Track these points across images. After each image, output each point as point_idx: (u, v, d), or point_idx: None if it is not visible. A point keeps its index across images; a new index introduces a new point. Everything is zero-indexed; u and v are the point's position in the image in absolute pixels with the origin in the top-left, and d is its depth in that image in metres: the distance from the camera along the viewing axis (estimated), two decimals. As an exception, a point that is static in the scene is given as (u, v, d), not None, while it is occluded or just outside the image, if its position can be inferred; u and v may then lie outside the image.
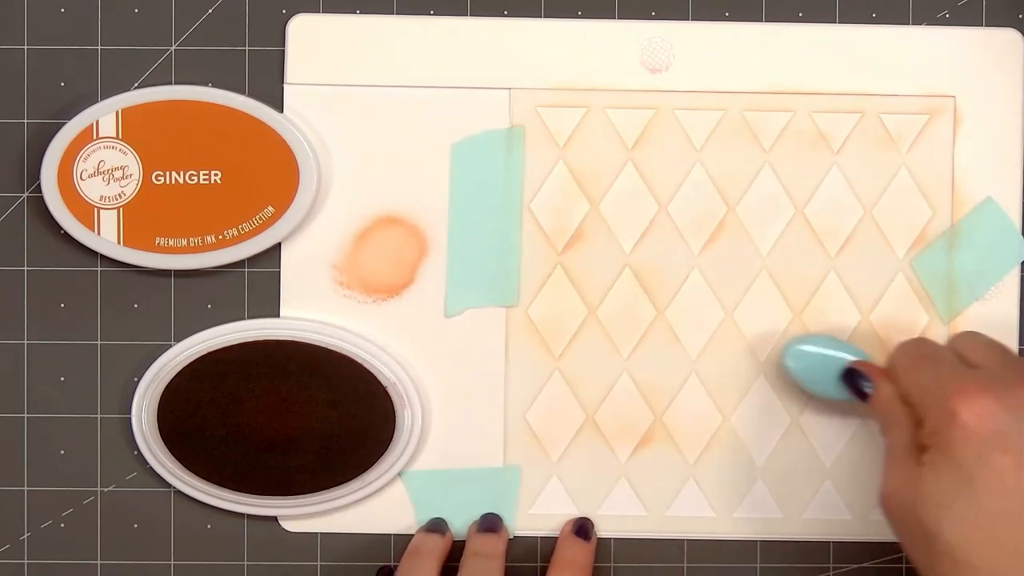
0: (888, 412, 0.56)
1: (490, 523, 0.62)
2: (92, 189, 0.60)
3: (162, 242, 0.60)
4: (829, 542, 0.63)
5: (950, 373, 0.54)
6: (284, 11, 0.62)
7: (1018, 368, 0.54)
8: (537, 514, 0.63)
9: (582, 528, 0.62)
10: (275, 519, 0.63)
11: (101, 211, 0.60)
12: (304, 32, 0.62)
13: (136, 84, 0.62)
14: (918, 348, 0.57)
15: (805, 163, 0.62)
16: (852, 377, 0.58)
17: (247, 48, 0.62)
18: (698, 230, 0.62)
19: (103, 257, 0.61)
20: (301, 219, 0.61)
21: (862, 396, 0.58)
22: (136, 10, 0.62)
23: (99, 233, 0.60)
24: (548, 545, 0.63)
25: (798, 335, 0.61)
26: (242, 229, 0.60)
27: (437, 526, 0.62)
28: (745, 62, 0.62)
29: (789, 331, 0.62)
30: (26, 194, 0.62)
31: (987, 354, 0.55)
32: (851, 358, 0.59)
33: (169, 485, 0.62)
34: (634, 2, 0.62)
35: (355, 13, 0.62)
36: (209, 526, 0.63)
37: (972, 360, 0.55)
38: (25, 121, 0.62)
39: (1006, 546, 0.50)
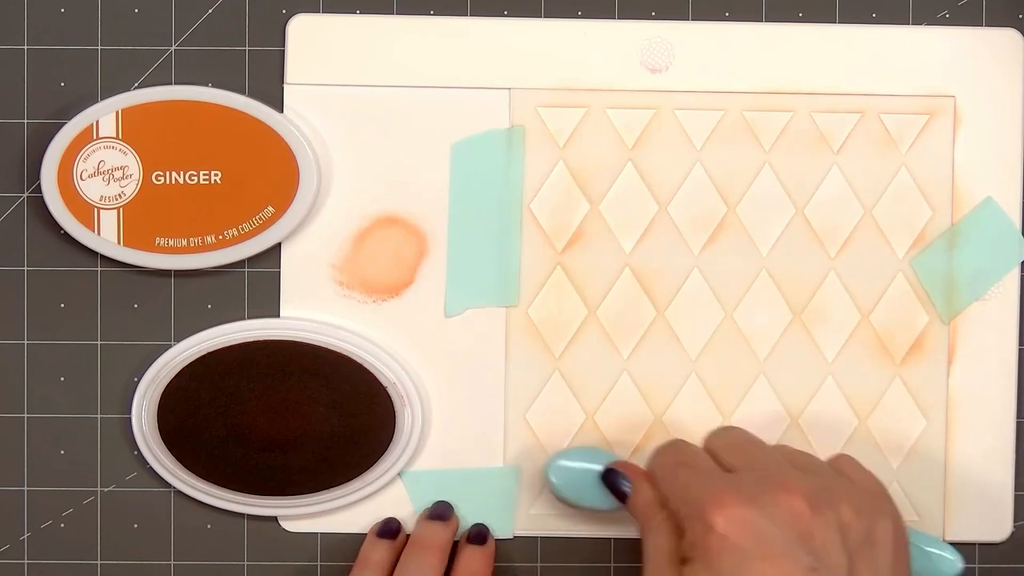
0: (647, 516, 0.55)
1: (439, 511, 0.61)
2: (92, 189, 0.60)
3: (162, 242, 0.60)
4: (829, 542, 0.63)
5: (705, 481, 0.53)
6: (284, 11, 0.62)
7: (771, 468, 0.53)
8: (537, 514, 0.63)
9: (478, 535, 0.61)
10: (275, 519, 0.63)
11: (101, 211, 0.60)
12: (304, 32, 0.62)
13: (136, 84, 0.62)
14: (674, 454, 0.56)
15: (805, 163, 0.62)
16: (612, 477, 0.58)
17: (247, 48, 0.62)
18: (698, 230, 0.62)
19: (103, 257, 0.61)
20: (301, 219, 0.61)
21: (621, 497, 0.57)
22: (136, 10, 0.62)
23: (99, 233, 0.60)
24: (548, 545, 0.63)
25: (562, 450, 0.61)
26: (242, 229, 0.60)
27: (388, 529, 0.61)
28: (745, 62, 0.62)
29: (789, 331, 0.62)
30: (26, 194, 0.62)
31: (740, 455, 0.55)
32: (608, 464, 0.59)
33: (169, 485, 0.62)
34: (634, 2, 0.62)
35: (355, 13, 0.62)
36: (209, 526, 0.63)
37: (726, 462, 0.55)
38: (25, 121, 0.62)
39: None
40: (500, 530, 0.63)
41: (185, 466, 0.61)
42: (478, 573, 0.60)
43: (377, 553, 0.60)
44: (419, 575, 0.58)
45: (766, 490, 0.51)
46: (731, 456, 0.55)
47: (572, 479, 0.60)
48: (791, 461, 0.55)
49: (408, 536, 0.62)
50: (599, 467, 0.59)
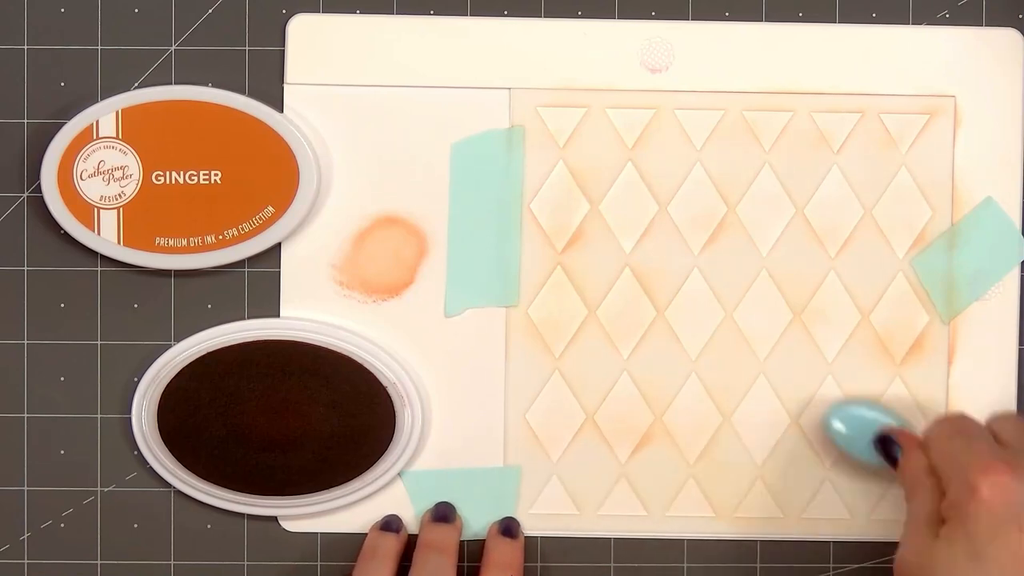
0: (914, 481, 0.56)
1: (443, 512, 0.62)
2: (92, 189, 0.60)
3: (162, 242, 0.60)
4: (829, 542, 0.63)
5: (979, 449, 0.54)
6: (284, 11, 0.62)
7: None
8: (537, 514, 0.63)
9: (508, 527, 0.62)
10: (275, 519, 0.63)
11: (101, 211, 0.60)
12: (304, 32, 0.62)
13: (136, 84, 0.62)
14: (957, 423, 0.57)
15: (805, 163, 0.62)
16: (885, 443, 0.59)
17: (247, 48, 0.62)
18: (698, 230, 0.62)
19: (103, 257, 0.61)
20: (301, 219, 0.61)
21: (892, 462, 0.59)
22: (136, 10, 0.62)
23: (99, 233, 0.60)
24: (548, 545, 0.63)
25: (844, 399, 0.62)
26: (242, 229, 0.60)
27: (391, 523, 0.62)
28: (745, 62, 0.62)
29: (789, 331, 0.62)
30: (26, 194, 0.62)
31: (1018, 434, 0.56)
32: (891, 423, 0.60)
33: (169, 485, 0.62)
34: (634, 2, 0.62)
35: (355, 13, 0.62)
36: (209, 526, 0.63)
37: (1003, 439, 0.56)
38: (25, 121, 0.62)
39: None
40: (500, 530, 0.63)
41: (185, 466, 0.61)
42: (512, 565, 0.60)
43: (383, 544, 0.60)
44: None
45: None
46: (1010, 435, 0.56)
47: (853, 427, 0.61)
48: None
49: (409, 534, 0.62)
50: (879, 418, 0.60)
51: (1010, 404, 0.62)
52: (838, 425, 0.61)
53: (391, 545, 0.61)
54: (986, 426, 0.57)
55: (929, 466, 0.56)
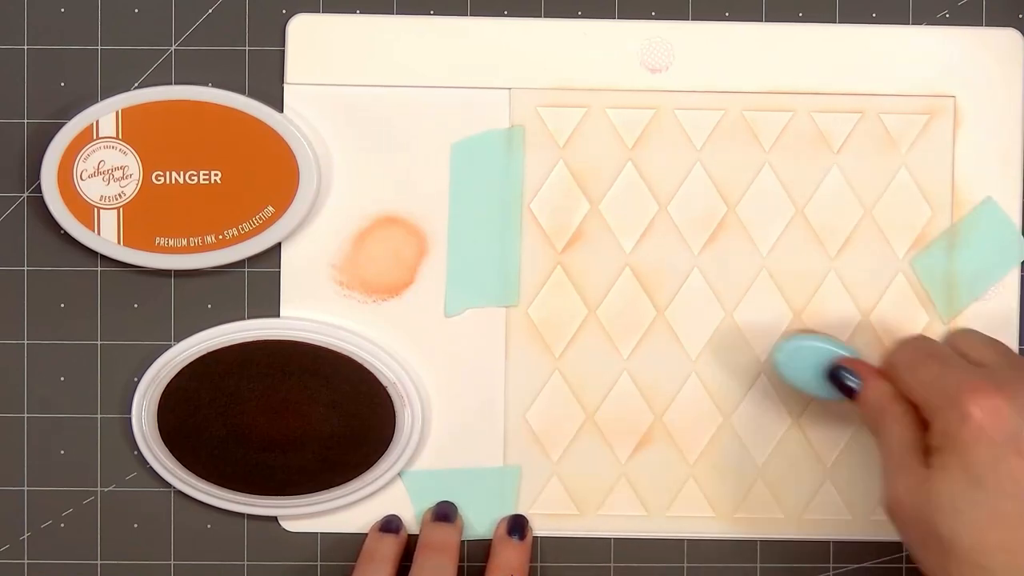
0: (881, 410, 0.55)
1: (444, 512, 0.62)
2: (92, 189, 0.60)
3: (162, 242, 0.60)
4: (829, 542, 0.63)
5: (959, 372, 0.53)
6: (284, 11, 0.62)
7: (1022, 367, 0.54)
8: (537, 514, 0.63)
9: (516, 526, 0.62)
10: (275, 519, 0.63)
11: (101, 211, 0.60)
12: (304, 32, 0.62)
13: (136, 84, 0.62)
14: (921, 345, 0.56)
15: (805, 163, 0.62)
16: (837, 373, 0.58)
17: (247, 48, 0.62)
18: (698, 230, 0.62)
19: (103, 257, 0.61)
20: (301, 219, 0.61)
21: (848, 393, 0.57)
22: (136, 10, 0.62)
23: (99, 233, 0.60)
24: (548, 545, 0.63)
25: (792, 332, 0.61)
26: (242, 229, 0.60)
27: (391, 524, 0.62)
28: (745, 62, 0.62)
29: (789, 331, 0.62)
30: (26, 194, 0.62)
31: (989, 352, 0.55)
32: (842, 354, 0.59)
33: (169, 485, 0.62)
34: (634, 2, 0.62)
35: (355, 13, 0.62)
36: (209, 526, 0.63)
37: (974, 358, 0.54)
38: (25, 121, 0.62)
39: (1023, 549, 0.50)
40: (500, 530, 0.63)
41: (185, 466, 0.61)
42: (518, 568, 0.60)
43: (383, 547, 0.60)
44: None
45: (1019, 386, 0.51)
46: (980, 353, 0.55)
47: (799, 360, 0.59)
48: None
49: (409, 535, 0.62)
50: (827, 348, 0.59)
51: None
52: (785, 358, 0.59)
53: (390, 547, 0.61)
54: (950, 345, 0.56)
55: (895, 393, 0.55)
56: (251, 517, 0.63)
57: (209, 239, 0.60)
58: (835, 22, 0.62)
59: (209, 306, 0.62)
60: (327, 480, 0.61)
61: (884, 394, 0.56)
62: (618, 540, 0.63)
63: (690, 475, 0.63)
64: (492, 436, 0.62)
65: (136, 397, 0.62)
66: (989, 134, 0.62)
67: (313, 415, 0.61)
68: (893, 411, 0.55)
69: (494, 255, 0.62)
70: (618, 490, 0.63)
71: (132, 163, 0.60)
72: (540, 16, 0.62)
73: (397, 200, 0.62)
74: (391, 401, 0.61)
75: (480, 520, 0.63)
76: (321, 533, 0.63)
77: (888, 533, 0.62)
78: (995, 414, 0.50)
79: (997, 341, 0.56)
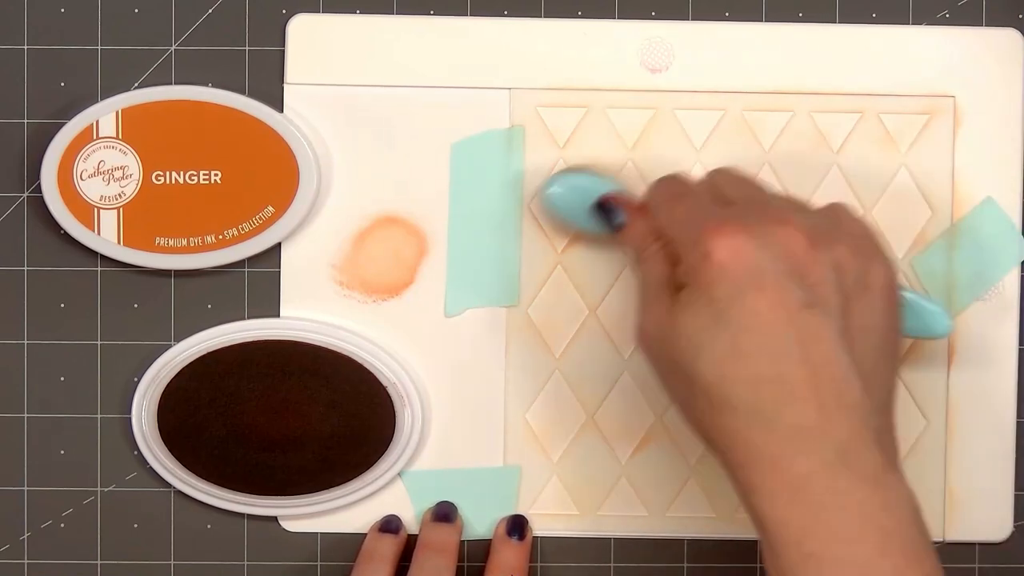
0: (640, 246, 0.56)
1: (444, 512, 0.62)
2: (92, 189, 0.60)
3: (162, 242, 0.60)
4: (829, 542, 0.63)
5: (705, 211, 0.53)
6: (284, 11, 0.62)
7: (771, 204, 0.53)
8: (537, 514, 0.63)
9: (516, 526, 0.62)
10: (275, 519, 0.63)
11: (101, 211, 0.60)
12: (304, 32, 0.62)
13: (136, 84, 0.62)
14: (673, 185, 0.56)
15: (805, 163, 0.62)
16: (605, 206, 0.58)
17: (247, 48, 0.62)
18: (698, 230, 0.62)
19: (103, 257, 0.61)
20: (301, 219, 0.61)
21: (613, 227, 0.58)
22: (136, 10, 0.62)
23: (99, 233, 0.60)
24: (548, 545, 0.63)
25: (565, 168, 0.61)
26: (242, 229, 0.60)
27: (391, 524, 0.62)
28: (745, 62, 0.62)
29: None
30: (26, 194, 0.62)
31: (740, 189, 0.55)
32: (610, 188, 0.59)
33: (169, 485, 0.62)
34: (634, 2, 0.62)
35: (355, 13, 0.62)
36: (209, 526, 0.63)
37: (727, 195, 0.54)
38: (25, 121, 0.62)
39: (763, 385, 0.49)
40: (500, 530, 0.63)
41: (185, 466, 0.61)
42: (517, 569, 0.60)
43: (382, 547, 0.60)
44: None
45: (766, 223, 0.51)
46: (732, 189, 0.55)
47: (568, 193, 0.59)
48: (790, 203, 0.55)
49: (408, 535, 0.62)
50: (595, 184, 0.59)
51: (1010, 404, 0.62)
52: (556, 190, 0.60)
53: (389, 548, 0.61)
54: (705, 184, 0.56)
55: (654, 229, 0.55)
56: (251, 517, 0.63)
57: (209, 239, 0.60)
58: (835, 22, 0.62)
59: (209, 306, 0.62)
60: (327, 480, 0.61)
61: (643, 231, 0.56)
62: (618, 540, 0.63)
63: (690, 475, 0.63)
64: (492, 436, 0.62)
65: (136, 397, 0.62)
66: (989, 134, 0.62)
67: (313, 415, 0.61)
68: (650, 248, 0.55)
69: (494, 255, 0.62)
70: (618, 490, 0.63)
71: (132, 163, 0.60)
72: (540, 16, 0.62)
73: (397, 200, 0.62)
74: (391, 401, 0.61)
75: (480, 520, 0.63)
76: (321, 533, 0.63)
77: (888, 533, 0.62)
78: (737, 251, 0.50)
79: (750, 178, 0.56)
